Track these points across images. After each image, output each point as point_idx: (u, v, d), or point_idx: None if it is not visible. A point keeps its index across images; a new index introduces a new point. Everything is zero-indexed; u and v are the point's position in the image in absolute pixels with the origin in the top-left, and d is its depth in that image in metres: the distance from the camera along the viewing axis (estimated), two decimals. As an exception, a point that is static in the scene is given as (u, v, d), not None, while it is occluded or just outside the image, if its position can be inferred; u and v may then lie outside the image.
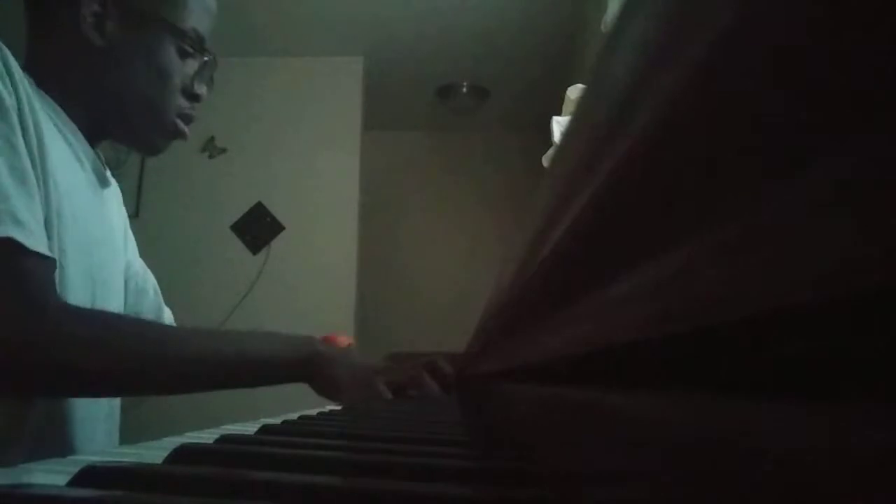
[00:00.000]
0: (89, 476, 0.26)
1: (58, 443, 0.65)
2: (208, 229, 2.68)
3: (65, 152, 0.70)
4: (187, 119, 0.80)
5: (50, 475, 0.27)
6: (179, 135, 0.80)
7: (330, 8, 2.50)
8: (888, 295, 0.09)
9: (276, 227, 2.70)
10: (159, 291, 0.95)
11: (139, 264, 0.93)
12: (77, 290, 0.67)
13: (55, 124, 0.69)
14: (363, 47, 2.75)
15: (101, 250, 0.74)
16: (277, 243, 2.69)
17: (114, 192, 0.86)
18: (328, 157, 2.74)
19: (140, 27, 0.74)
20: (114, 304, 0.78)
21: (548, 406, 0.33)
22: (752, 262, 0.12)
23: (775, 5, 0.09)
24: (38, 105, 0.65)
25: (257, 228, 2.70)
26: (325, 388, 0.83)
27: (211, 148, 2.74)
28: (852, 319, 0.10)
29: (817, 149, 0.09)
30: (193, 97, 0.80)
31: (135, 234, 0.93)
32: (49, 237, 0.62)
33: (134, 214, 2.61)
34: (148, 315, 0.89)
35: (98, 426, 0.73)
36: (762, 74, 0.09)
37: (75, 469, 0.27)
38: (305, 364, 0.80)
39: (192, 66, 0.79)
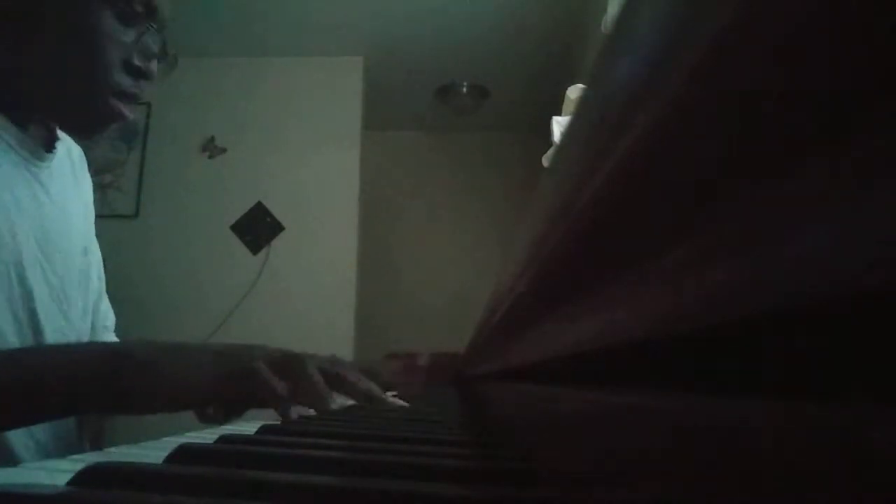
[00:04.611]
0: (89, 476, 0.26)
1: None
2: (208, 229, 2.68)
3: None
4: (129, 98, 0.68)
5: (50, 475, 0.27)
6: (117, 117, 0.69)
7: (330, 8, 2.50)
8: (888, 295, 0.09)
9: (276, 227, 2.70)
10: (103, 277, 0.84)
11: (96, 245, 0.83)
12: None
13: None
14: (363, 47, 2.76)
15: (32, 238, 0.67)
16: (277, 243, 2.69)
17: (64, 163, 0.76)
18: (328, 157, 2.74)
19: None
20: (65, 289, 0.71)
21: (548, 406, 0.33)
22: (752, 263, 0.12)
23: (775, 5, 0.09)
24: None
25: (257, 228, 2.70)
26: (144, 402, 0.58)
27: (211, 148, 2.74)
28: (852, 319, 0.10)
29: (817, 149, 0.09)
30: (138, 73, 0.68)
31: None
32: None
33: (134, 214, 2.61)
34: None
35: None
36: (762, 74, 0.09)
37: (75, 469, 0.27)
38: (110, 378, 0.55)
39: (135, 37, 0.68)
